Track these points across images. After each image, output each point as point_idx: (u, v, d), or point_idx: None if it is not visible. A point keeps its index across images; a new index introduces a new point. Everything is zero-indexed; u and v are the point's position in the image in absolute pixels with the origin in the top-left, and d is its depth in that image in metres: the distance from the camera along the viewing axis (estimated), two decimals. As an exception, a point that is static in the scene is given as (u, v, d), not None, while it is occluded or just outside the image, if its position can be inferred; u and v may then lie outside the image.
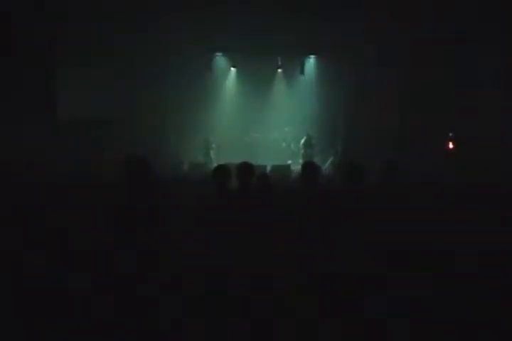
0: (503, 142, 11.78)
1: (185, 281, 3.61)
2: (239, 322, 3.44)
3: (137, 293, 3.48)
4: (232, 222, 4.18)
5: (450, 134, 13.41)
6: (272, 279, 3.75)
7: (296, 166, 14.15)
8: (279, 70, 16.61)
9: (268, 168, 13.00)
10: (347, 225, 4.20)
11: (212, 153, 15.38)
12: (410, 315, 3.39)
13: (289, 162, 15.17)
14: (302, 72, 16.25)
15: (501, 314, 3.36)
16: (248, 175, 4.66)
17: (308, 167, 4.90)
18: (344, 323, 3.39)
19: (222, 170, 4.68)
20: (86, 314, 3.36)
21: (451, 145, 13.35)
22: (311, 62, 16.31)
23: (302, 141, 15.28)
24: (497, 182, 7.04)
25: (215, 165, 6.85)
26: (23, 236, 3.71)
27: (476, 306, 3.40)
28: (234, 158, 12.50)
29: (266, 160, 14.67)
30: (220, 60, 16.45)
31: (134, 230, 3.84)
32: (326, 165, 14.54)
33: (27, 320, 3.30)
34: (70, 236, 3.80)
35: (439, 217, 4.43)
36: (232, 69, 16.63)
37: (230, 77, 16.87)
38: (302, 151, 15.22)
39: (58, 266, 3.59)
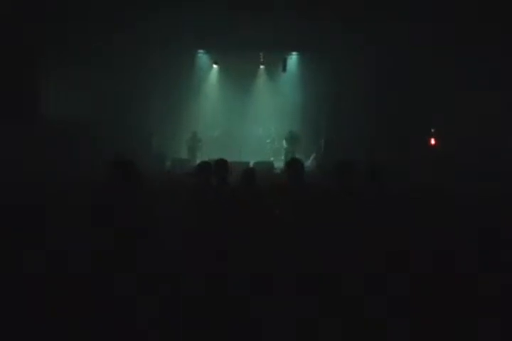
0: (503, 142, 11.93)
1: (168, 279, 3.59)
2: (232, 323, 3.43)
3: (120, 292, 3.45)
4: (216, 215, 4.21)
5: (432, 130, 13.53)
6: (258, 275, 3.75)
7: (278, 163, 14.21)
8: (262, 67, 16.63)
9: (251, 165, 12.99)
10: (333, 221, 4.21)
11: (197, 149, 15.36)
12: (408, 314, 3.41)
13: (271, 159, 15.20)
14: (284, 69, 16.27)
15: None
16: (223, 171, 4.78)
17: (293, 163, 4.92)
18: (344, 323, 3.39)
19: (204, 166, 4.77)
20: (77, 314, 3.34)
21: (433, 142, 13.47)
22: (293, 58, 16.34)
23: (284, 137, 15.29)
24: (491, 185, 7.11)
25: (198, 161, 6.90)
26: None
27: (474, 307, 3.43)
28: (217, 155, 12.49)
29: (249, 156, 14.73)
30: (202, 57, 16.42)
31: (121, 231, 3.81)
32: (309, 162, 14.56)
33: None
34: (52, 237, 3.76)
35: (424, 215, 4.46)
36: (214, 66, 16.61)
37: (212, 74, 16.86)
38: (285, 148, 15.23)
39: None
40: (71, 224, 3.87)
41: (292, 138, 14.95)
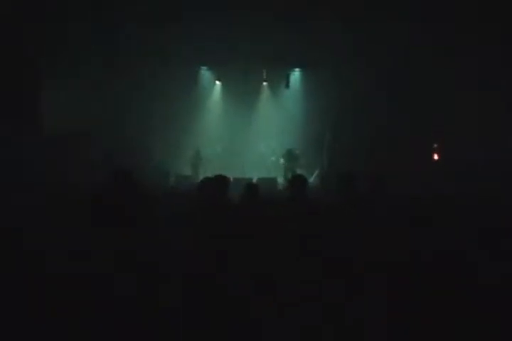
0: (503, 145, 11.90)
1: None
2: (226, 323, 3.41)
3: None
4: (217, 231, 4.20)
5: (435, 145, 13.51)
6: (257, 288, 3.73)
7: (280, 179, 14.24)
8: (265, 83, 16.71)
9: (254, 181, 12.97)
10: (335, 237, 4.19)
11: (200, 166, 15.41)
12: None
13: (275, 175, 15.17)
14: (287, 85, 16.33)
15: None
16: (223, 187, 4.78)
17: (296, 180, 4.91)
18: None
19: (207, 182, 4.77)
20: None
21: (436, 157, 13.45)
22: (296, 75, 16.41)
23: (282, 155, 15.24)
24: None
25: (201, 177, 6.92)
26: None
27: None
28: (220, 171, 12.49)
29: (252, 173, 14.75)
30: (205, 73, 16.52)
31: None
32: (312, 178, 14.54)
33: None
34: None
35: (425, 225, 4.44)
36: (217, 82, 16.71)
37: (215, 91, 16.95)
38: (285, 164, 15.19)
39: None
40: (70, 234, 3.85)
41: (290, 156, 14.88)
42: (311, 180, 14.21)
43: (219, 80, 16.63)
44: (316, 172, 15.01)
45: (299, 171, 13.74)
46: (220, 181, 4.84)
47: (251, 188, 5.09)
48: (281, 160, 15.10)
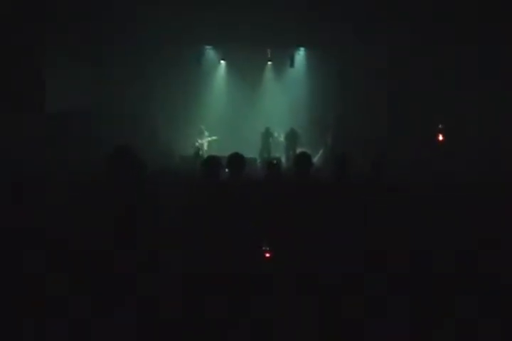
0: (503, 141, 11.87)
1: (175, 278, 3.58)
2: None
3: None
4: (222, 212, 4.15)
5: (439, 126, 13.45)
6: (263, 274, 3.74)
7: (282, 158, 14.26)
8: (269, 63, 16.58)
9: (258, 161, 12.98)
10: (336, 218, 4.20)
11: (204, 145, 15.39)
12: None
13: (277, 155, 15.17)
14: (292, 64, 16.22)
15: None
16: (238, 166, 4.62)
17: (302, 158, 4.86)
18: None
19: (212, 160, 4.64)
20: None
21: (440, 137, 13.38)
22: (300, 54, 16.28)
23: (285, 134, 15.22)
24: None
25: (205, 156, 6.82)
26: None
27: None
28: (223, 151, 12.52)
29: (255, 153, 14.73)
30: (209, 52, 16.41)
31: (123, 226, 3.77)
32: (316, 158, 14.52)
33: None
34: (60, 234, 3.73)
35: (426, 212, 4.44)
36: (221, 61, 16.60)
37: (219, 70, 16.84)
38: (284, 144, 15.18)
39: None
40: (69, 218, 3.82)
41: (292, 135, 14.88)
42: (315, 160, 14.19)
43: (223, 60, 16.51)
44: (320, 153, 14.99)
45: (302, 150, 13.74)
46: (236, 160, 4.62)
47: (273, 167, 5.04)
48: (284, 140, 15.10)
